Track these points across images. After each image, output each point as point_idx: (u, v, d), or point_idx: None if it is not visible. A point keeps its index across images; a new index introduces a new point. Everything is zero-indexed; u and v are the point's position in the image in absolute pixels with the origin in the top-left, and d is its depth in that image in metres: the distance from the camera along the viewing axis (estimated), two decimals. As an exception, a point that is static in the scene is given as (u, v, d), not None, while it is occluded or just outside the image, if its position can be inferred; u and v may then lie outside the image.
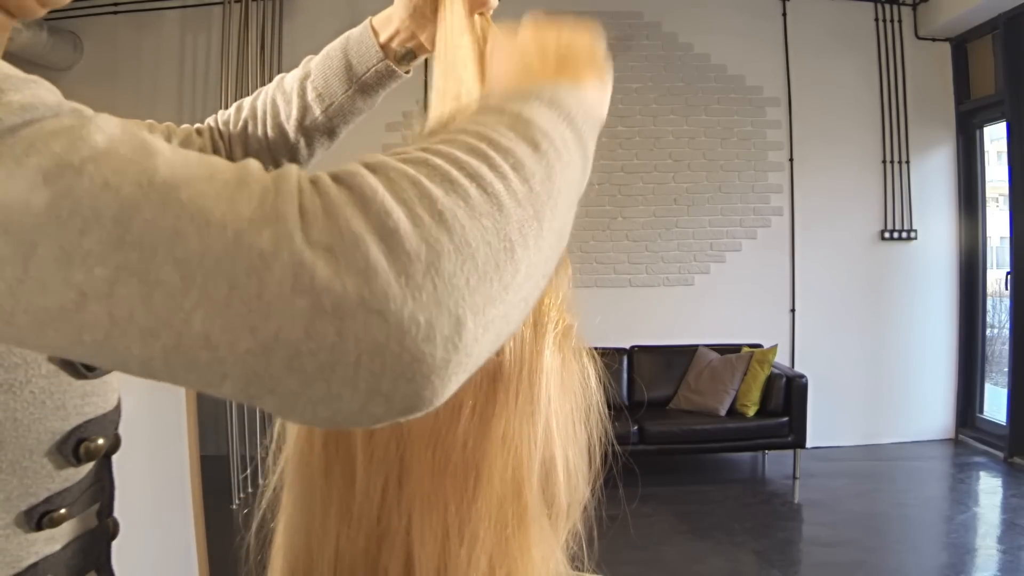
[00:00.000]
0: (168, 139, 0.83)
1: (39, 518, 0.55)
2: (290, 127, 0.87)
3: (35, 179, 0.31)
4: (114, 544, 0.66)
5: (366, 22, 0.84)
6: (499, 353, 0.48)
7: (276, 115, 0.88)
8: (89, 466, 0.60)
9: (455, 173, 0.35)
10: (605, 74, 0.52)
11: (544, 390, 0.50)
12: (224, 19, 4.89)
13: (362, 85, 0.85)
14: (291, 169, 0.35)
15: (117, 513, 0.67)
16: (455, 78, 0.60)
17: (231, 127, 0.90)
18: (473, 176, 0.36)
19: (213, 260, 0.31)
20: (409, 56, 0.84)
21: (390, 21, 0.82)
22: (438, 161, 0.36)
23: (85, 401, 0.58)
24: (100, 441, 0.59)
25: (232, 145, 0.89)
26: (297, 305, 0.31)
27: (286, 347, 0.31)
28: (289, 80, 0.88)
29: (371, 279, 0.32)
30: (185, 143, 0.85)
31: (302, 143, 0.88)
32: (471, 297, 0.33)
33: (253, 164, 0.34)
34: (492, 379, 0.48)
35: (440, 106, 0.59)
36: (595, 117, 0.47)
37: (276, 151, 0.89)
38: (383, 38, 0.83)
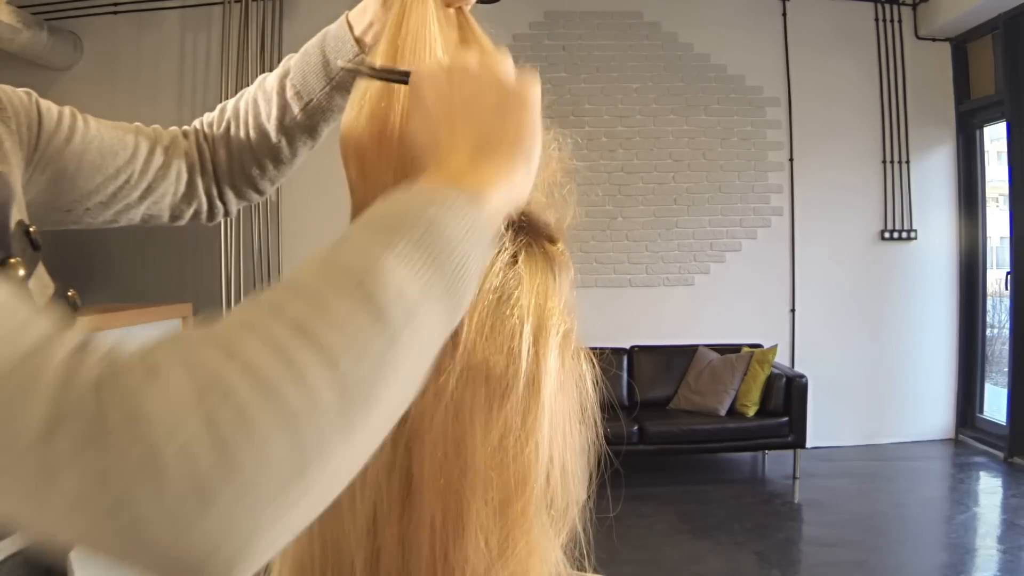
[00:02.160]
0: (153, 146, 0.83)
1: None
2: (271, 127, 0.85)
3: None
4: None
5: (342, 16, 0.81)
6: (503, 359, 0.48)
7: (257, 115, 0.86)
8: None
9: (248, 392, 0.32)
10: (528, 157, 0.47)
11: (545, 393, 0.50)
12: (224, 19, 4.89)
13: (339, 82, 0.82)
14: (83, 368, 0.32)
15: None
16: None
17: (214, 128, 0.88)
18: (272, 391, 0.33)
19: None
20: None
21: (364, 13, 0.79)
22: (234, 375, 0.33)
23: None
24: None
25: (215, 147, 0.88)
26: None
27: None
28: (270, 80, 0.86)
29: (141, 530, 0.31)
30: (171, 148, 0.84)
31: (283, 143, 0.86)
32: (253, 521, 0.32)
33: (57, 348, 0.33)
34: (495, 384, 0.48)
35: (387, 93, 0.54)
36: (487, 234, 0.43)
37: (259, 152, 0.87)
38: (358, 31, 0.79)
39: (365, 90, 0.54)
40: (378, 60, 0.56)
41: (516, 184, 0.46)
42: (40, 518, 0.32)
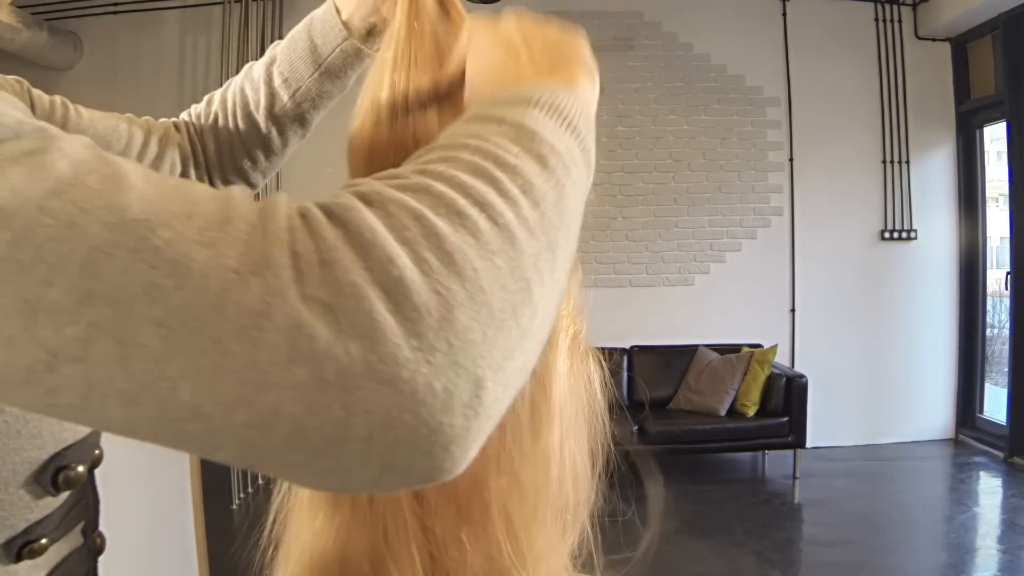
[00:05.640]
0: (147, 136, 0.80)
1: (19, 549, 0.51)
2: (260, 116, 0.82)
3: None
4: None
5: (329, 0, 0.78)
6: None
7: (245, 105, 0.83)
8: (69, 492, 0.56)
9: (461, 202, 0.31)
10: (595, 74, 0.47)
11: (554, 396, 0.50)
12: (224, 19, 4.89)
13: (328, 67, 0.79)
14: (278, 202, 0.31)
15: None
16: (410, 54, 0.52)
17: (202, 120, 0.86)
18: (481, 204, 0.32)
19: (197, 320, 0.27)
20: (374, 32, 0.77)
21: None
22: (441, 187, 0.32)
23: (63, 427, 0.54)
24: (80, 469, 0.55)
25: (204, 139, 0.85)
26: (296, 376, 0.27)
27: (287, 422, 0.28)
28: (257, 68, 0.83)
29: (378, 342, 0.28)
30: (164, 139, 0.81)
31: (274, 132, 0.83)
32: (489, 353, 0.30)
33: (236, 194, 0.31)
34: None
35: (382, 79, 0.52)
36: (592, 121, 0.43)
37: (248, 143, 0.84)
38: (345, 15, 0.76)
39: (374, 99, 0.53)
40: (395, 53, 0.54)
41: (593, 93, 0.46)
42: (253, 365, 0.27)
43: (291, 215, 0.30)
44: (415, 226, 0.30)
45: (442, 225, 0.30)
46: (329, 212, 0.30)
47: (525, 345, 0.32)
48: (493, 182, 0.33)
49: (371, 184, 0.32)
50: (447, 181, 0.32)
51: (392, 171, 0.34)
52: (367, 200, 0.31)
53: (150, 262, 0.27)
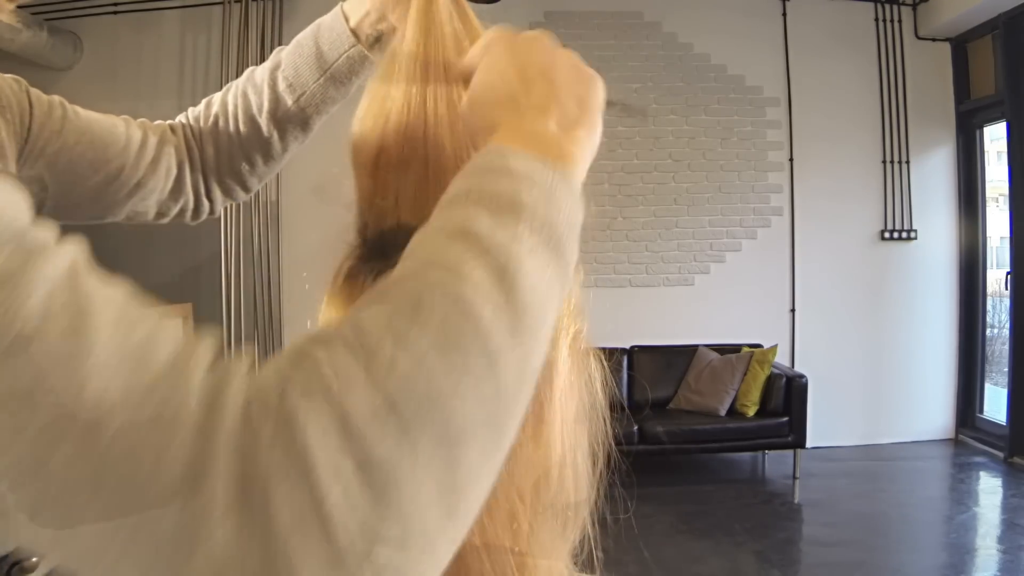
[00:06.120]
0: (145, 137, 0.80)
1: (8, 569, 0.51)
2: (262, 120, 0.83)
3: None
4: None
5: (337, 7, 0.79)
6: None
7: (248, 108, 0.84)
8: None
9: (409, 411, 0.30)
10: (597, 128, 0.46)
11: (556, 394, 0.50)
12: (224, 19, 4.89)
13: (334, 73, 0.80)
14: (227, 396, 0.30)
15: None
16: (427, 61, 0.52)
17: (201, 123, 0.86)
18: (433, 402, 0.30)
19: (130, 525, 0.28)
20: (381, 39, 0.78)
21: (361, 3, 0.77)
22: (394, 386, 0.30)
23: None
24: (35, 560, 0.54)
25: (202, 142, 0.85)
26: None
27: None
28: (260, 72, 0.84)
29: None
30: (161, 141, 0.82)
31: (275, 137, 0.84)
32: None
33: (193, 367, 0.30)
34: None
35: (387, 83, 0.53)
36: (578, 205, 0.42)
37: (249, 146, 0.85)
38: (353, 22, 0.77)
39: (382, 101, 0.53)
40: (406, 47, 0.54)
41: (592, 148, 0.46)
42: None
43: (235, 418, 0.29)
44: (354, 451, 0.29)
45: (379, 450, 0.29)
46: (278, 418, 0.29)
47: (437, 565, 0.32)
48: (456, 369, 0.31)
49: (320, 368, 0.31)
50: (403, 379, 0.31)
51: (355, 340, 0.32)
52: (306, 394, 0.30)
53: (94, 464, 0.28)
